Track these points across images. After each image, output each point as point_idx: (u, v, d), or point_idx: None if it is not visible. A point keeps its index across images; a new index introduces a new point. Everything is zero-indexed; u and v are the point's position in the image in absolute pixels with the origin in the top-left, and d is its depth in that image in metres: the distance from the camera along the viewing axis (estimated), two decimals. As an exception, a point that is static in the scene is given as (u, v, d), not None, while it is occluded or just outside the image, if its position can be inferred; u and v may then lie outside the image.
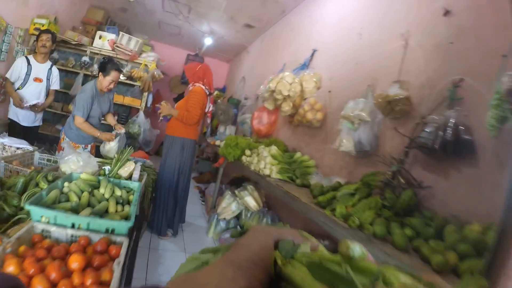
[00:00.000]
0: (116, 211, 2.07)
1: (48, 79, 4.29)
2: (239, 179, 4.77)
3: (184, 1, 6.15)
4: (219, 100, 8.03)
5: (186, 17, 6.94)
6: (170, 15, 7.00)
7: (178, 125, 3.86)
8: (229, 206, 3.95)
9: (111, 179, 2.54)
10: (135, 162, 3.11)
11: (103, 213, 2.00)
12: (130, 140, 6.06)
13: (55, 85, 4.42)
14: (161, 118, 3.93)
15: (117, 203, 2.20)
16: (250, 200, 3.75)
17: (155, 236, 3.93)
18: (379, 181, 2.09)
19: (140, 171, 3.30)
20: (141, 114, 5.83)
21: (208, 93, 3.90)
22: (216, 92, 9.01)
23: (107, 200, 2.20)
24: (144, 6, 6.85)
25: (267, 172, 2.97)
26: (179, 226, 4.27)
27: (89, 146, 3.83)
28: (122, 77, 6.04)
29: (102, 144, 3.61)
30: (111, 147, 3.62)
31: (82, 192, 2.16)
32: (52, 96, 4.46)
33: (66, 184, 2.22)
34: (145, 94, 6.15)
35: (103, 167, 2.97)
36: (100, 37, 6.29)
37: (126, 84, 6.43)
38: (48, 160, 3.15)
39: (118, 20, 8.17)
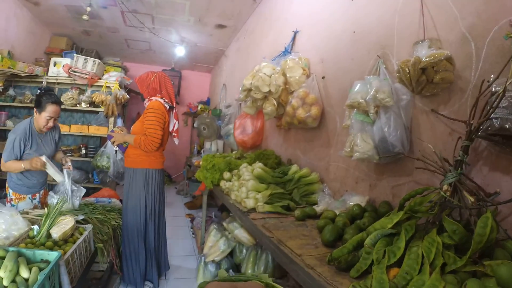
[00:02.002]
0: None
1: None
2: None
3: (144, 11, 5.50)
4: (203, 114, 7.22)
5: (151, 29, 6.28)
6: (134, 29, 6.41)
7: (137, 153, 3.02)
8: (216, 245, 3.07)
9: (24, 250, 1.79)
10: (77, 215, 2.30)
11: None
12: (101, 175, 5.26)
13: None
14: (115, 148, 3.10)
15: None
16: (242, 233, 2.86)
17: (131, 291, 3.09)
18: (429, 203, 1.23)
19: (84, 223, 2.48)
20: (109, 143, 4.97)
21: (168, 107, 3.06)
22: (200, 106, 8.29)
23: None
24: (104, 24, 6.22)
25: (250, 204, 2.06)
26: (163, 273, 3.45)
27: (38, 194, 3.06)
28: (83, 105, 5.25)
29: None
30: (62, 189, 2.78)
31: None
32: None
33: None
34: (111, 119, 5.30)
35: (32, 226, 2.21)
36: (54, 64, 5.50)
37: (90, 112, 5.63)
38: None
39: (85, 45, 7.61)
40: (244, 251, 3.08)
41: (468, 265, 1.06)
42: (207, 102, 8.64)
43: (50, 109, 2.75)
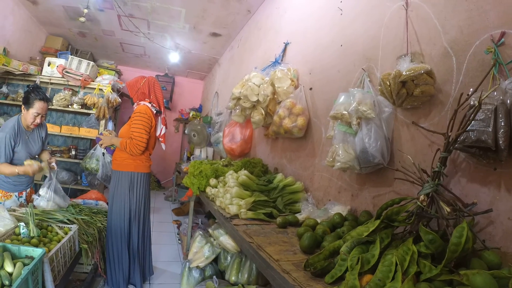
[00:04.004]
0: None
1: None
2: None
3: (140, 15, 5.50)
4: (195, 121, 7.23)
5: (146, 34, 6.30)
6: (130, 33, 6.43)
7: (123, 156, 3.04)
8: (201, 251, 3.06)
9: (9, 246, 1.84)
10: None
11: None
12: (90, 177, 5.22)
13: None
14: (103, 151, 3.11)
15: (2, 285, 1.59)
16: (227, 239, 2.86)
17: (113, 296, 3.06)
18: (407, 213, 1.26)
19: (69, 223, 2.48)
20: (98, 146, 4.95)
21: (155, 111, 3.07)
22: (192, 113, 8.29)
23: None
24: (101, 27, 6.23)
25: (233, 210, 2.07)
26: (148, 278, 3.42)
27: (25, 192, 3.04)
28: (75, 106, 5.24)
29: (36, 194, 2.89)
30: (43, 196, 2.84)
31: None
32: None
33: None
34: (102, 122, 5.29)
35: (18, 224, 2.24)
36: (49, 64, 5.50)
37: (82, 114, 5.61)
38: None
39: (80, 47, 7.64)
40: (229, 258, 3.07)
41: (444, 274, 1.07)
42: (199, 109, 8.65)
43: (37, 106, 2.77)
